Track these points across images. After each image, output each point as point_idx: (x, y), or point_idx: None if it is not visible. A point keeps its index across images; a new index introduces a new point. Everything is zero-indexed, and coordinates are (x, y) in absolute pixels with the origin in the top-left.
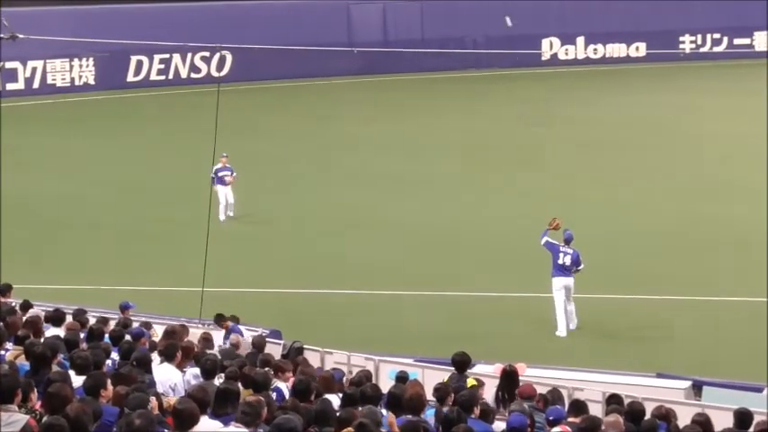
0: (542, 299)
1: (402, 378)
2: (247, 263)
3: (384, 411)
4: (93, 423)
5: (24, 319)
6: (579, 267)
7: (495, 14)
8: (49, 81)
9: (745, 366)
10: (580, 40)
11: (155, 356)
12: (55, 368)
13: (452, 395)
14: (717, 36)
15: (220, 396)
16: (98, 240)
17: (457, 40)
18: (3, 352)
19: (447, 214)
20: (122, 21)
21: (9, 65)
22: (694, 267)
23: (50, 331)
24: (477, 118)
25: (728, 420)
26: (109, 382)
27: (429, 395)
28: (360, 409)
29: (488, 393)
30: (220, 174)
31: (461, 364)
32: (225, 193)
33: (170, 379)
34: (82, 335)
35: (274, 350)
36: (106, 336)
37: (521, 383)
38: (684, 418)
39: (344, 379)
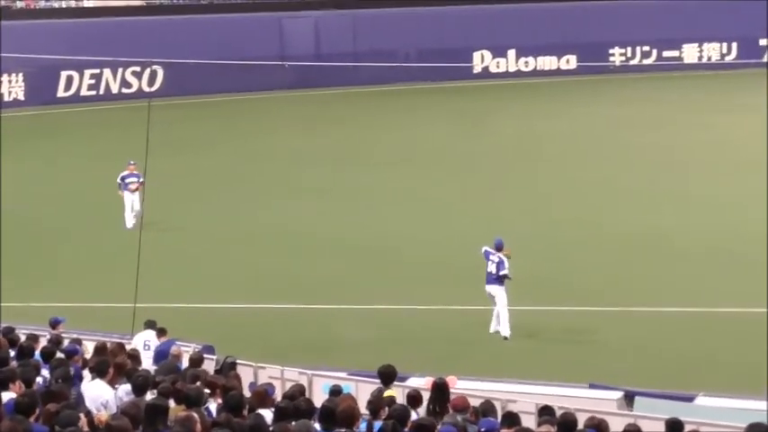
0: (477, 311)
1: (335, 392)
2: (176, 277)
3: (317, 425)
4: None
5: None
6: (501, 273)
7: (427, 28)
8: None
9: (676, 376)
10: (511, 53)
11: (86, 373)
12: None
13: (386, 408)
14: (646, 48)
15: (149, 413)
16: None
17: (389, 53)
18: None
19: (379, 227)
20: (52, 36)
21: None
22: (625, 278)
23: None
24: (408, 131)
25: (660, 430)
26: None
27: (363, 408)
28: (293, 423)
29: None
30: (127, 180)
31: (386, 375)
32: (131, 200)
33: (101, 395)
34: (12, 352)
35: (208, 365)
36: (37, 353)
37: (454, 396)
38: (616, 428)
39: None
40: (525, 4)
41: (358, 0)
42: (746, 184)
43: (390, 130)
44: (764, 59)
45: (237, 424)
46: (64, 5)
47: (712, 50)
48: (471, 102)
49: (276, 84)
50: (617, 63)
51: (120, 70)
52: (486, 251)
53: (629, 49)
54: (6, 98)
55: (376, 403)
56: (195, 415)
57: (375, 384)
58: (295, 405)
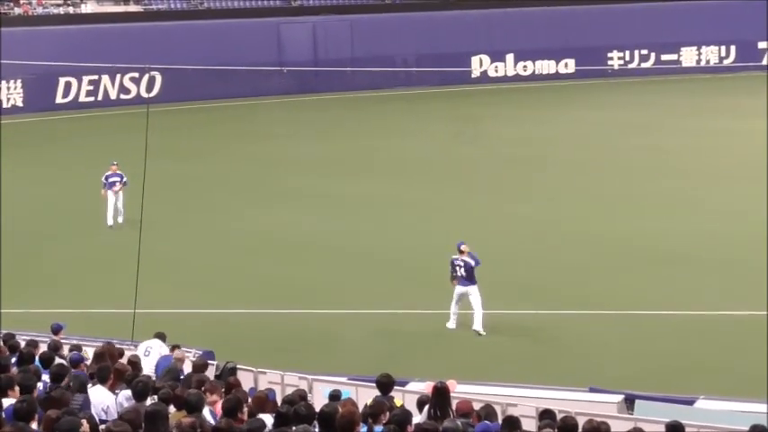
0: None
1: (335, 396)
2: (175, 283)
3: (317, 430)
4: None
5: None
6: (471, 268)
7: (425, 33)
8: None
9: (676, 379)
10: (509, 58)
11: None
12: None
13: (387, 413)
14: (644, 52)
15: (149, 418)
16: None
17: (387, 58)
18: None
19: (378, 232)
20: (50, 42)
21: None
22: (623, 282)
23: None
24: (407, 136)
25: None
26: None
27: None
28: (293, 428)
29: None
30: (110, 180)
31: (385, 385)
32: (114, 200)
33: (102, 401)
34: (13, 359)
35: (208, 371)
36: (36, 359)
37: (457, 400)
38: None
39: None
40: (523, 9)
41: (356, 6)
42: (747, 189)
43: (389, 135)
44: (764, 62)
45: (238, 429)
46: (62, 12)
47: (711, 54)
48: (470, 106)
49: (274, 89)
50: (615, 67)
51: (119, 76)
52: (452, 260)
53: (627, 52)
54: (5, 105)
55: (377, 408)
56: (196, 421)
57: (375, 389)
58: (295, 410)
